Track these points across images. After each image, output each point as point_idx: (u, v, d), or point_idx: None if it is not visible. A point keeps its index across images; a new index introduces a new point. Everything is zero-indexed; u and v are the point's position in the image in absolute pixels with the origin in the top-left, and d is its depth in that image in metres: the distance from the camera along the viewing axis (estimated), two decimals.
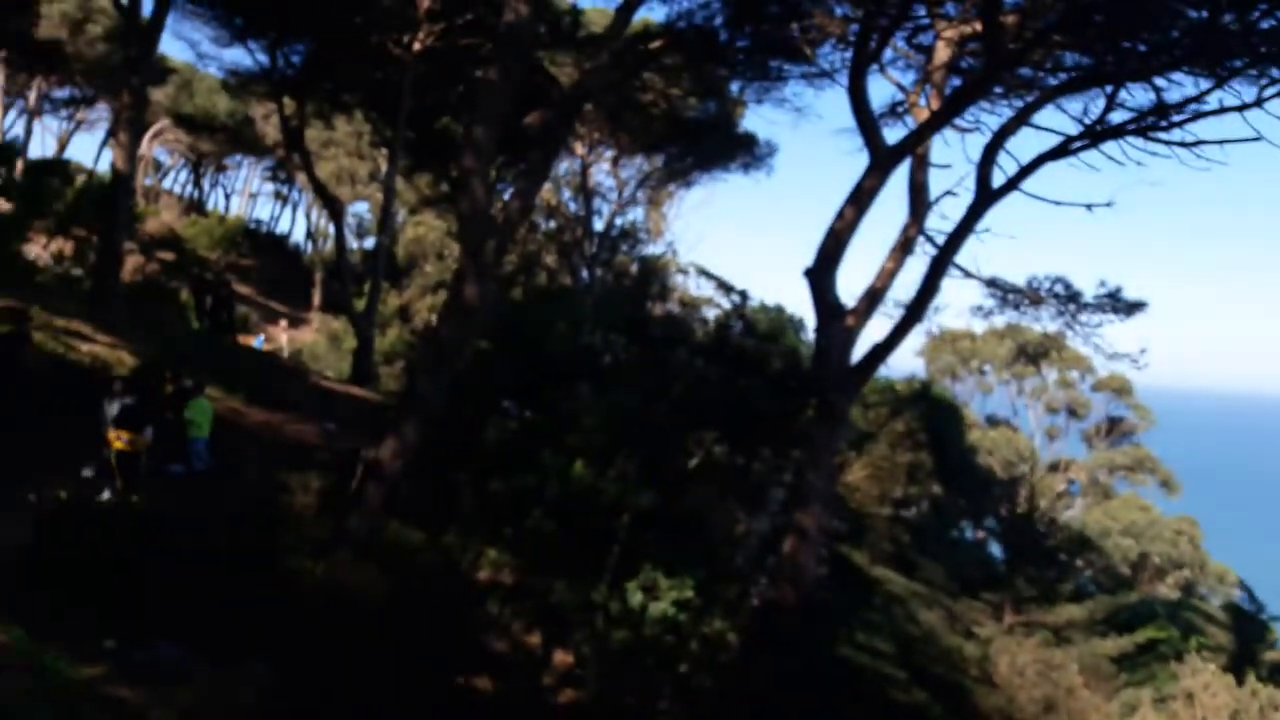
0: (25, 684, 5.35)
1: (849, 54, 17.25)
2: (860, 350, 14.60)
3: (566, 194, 39.67)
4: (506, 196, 28.97)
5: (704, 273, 42.47)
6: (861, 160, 14.54)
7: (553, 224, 40.06)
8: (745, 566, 17.26)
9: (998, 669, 19.61)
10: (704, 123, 30.93)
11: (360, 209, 56.48)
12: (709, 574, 15.88)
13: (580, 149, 34.42)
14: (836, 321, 14.04)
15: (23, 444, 14.19)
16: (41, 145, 58.63)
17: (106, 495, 12.37)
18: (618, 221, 39.82)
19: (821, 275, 14.17)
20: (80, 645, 6.79)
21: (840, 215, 14.15)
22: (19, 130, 56.06)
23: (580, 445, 16.61)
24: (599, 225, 39.36)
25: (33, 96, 55.73)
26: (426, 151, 31.82)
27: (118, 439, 12.52)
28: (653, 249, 43.85)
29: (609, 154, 37.29)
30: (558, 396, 18.46)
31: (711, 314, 40.16)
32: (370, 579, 13.17)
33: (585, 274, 38.60)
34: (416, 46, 26.08)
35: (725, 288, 26.67)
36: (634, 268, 41.92)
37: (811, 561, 14.24)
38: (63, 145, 59.95)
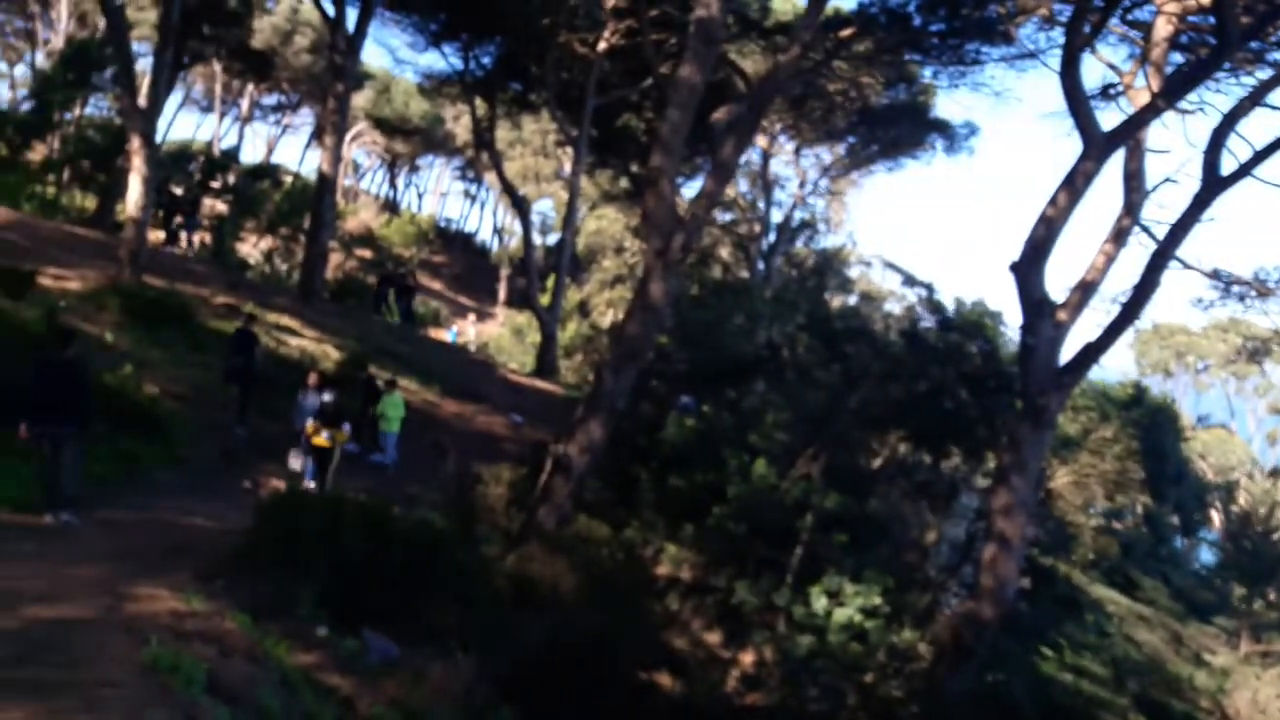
0: (249, 670, 5.61)
1: (1054, 34, 16.25)
2: (1070, 349, 13.70)
3: (744, 185, 39.28)
4: (688, 192, 29.10)
5: (888, 264, 41.29)
6: (1063, 145, 13.72)
7: (730, 216, 39.73)
8: (936, 574, 16.56)
9: (1235, 704, 18.07)
10: (893, 109, 29.92)
11: (544, 206, 57.96)
12: (897, 581, 15.34)
13: (761, 139, 33.97)
14: (1044, 317, 13.17)
15: (262, 435, 15.30)
16: (252, 150, 62.89)
17: (311, 485, 13.09)
18: (797, 213, 39.11)
19: (1029, 267, 13.32)
20: (296, 632, 7.09)
21: (1053, 202, 13.26)
22: (233, 136, 60.44)
23: (761, 443, 16.35)
24: (777, 217, 38.79)
25: (245, 104, 60.05)
26: (608, 148, 32.31)
27: (316, 433, 13.02)
28: (833, 240, 42.95)
29: (789, 144, 36.66)
30: (737, 393, 18.27)
31: (896, 307, 38.95)
32: (559, 571, 13.41)
33: (761, 267, 38.10)
34: (602, 45, 26.45)
35: (910, 280, 25.74)
36: (813, 260, 41.11)
37: (1013, 572, 13.47)
38: (271, 149, 64.30)
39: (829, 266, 40.80)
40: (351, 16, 22.94)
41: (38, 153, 31.66)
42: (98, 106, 31.78)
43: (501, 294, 59.19)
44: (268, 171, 39.80)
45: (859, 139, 34.17)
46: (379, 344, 23.09)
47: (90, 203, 30.10)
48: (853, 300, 42.41)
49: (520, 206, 33.08)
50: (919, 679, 14.27)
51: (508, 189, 33.08)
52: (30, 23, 50.08)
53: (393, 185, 73.78)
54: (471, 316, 48.59)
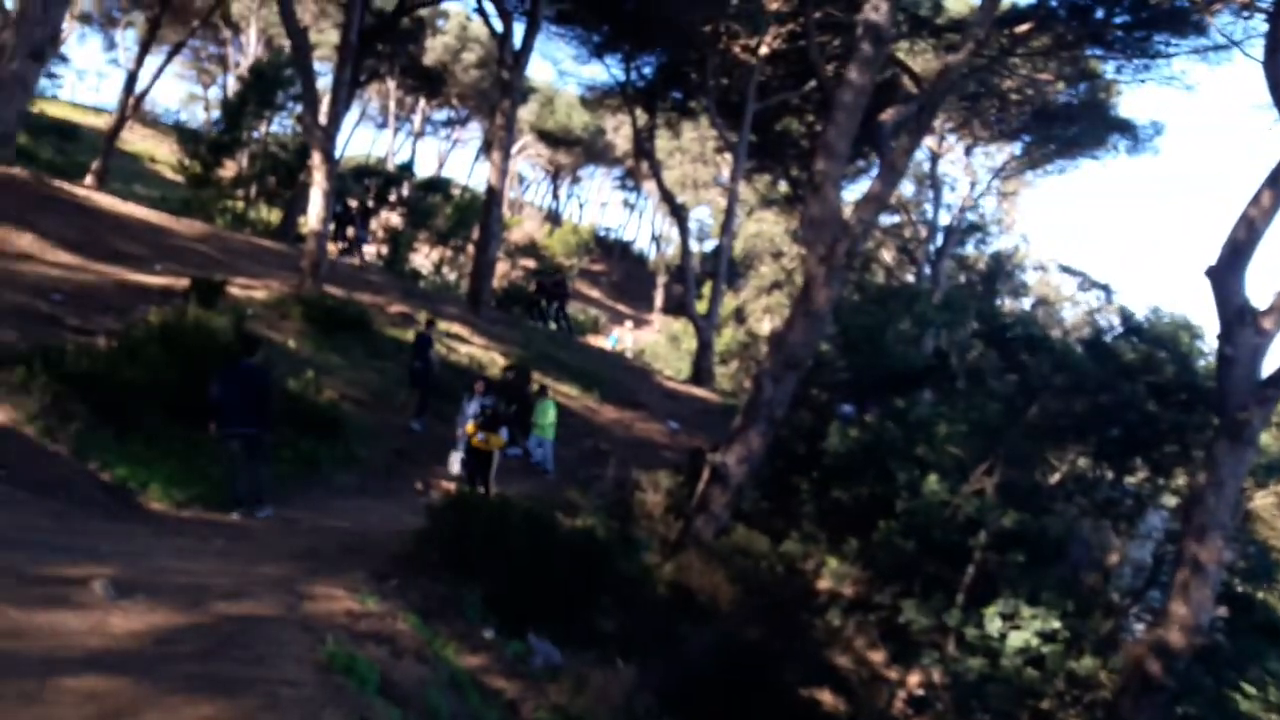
0: (420, 671, 5.68)
1: (1254, 21, 14.99)
2: (1274, 359, 12.51)
3: (909, 186, 38.16)
4: (851, 195, 28.43)
5: (1064, 268, 39.24)
6: (1267, 140, 12.52)
7: (895, 219, 38.63)
8: (1120, 598, 15.47)
9: None
10: (1072, 107, 28.38)
11: (701, 213, 58.07)
12: (1077, 604, 14.40)
13: (929, 139, 32.89)
14: (1245, 325, 12.06)
15: (432, 438, 15.83)
16: (424, 164, 65.56)
17: (456, 470, 13.40)
18: (966, 215, 37.65)
19: (1227, 271, 12.23)
20: (464, 633, 7.18)
21: (1256, 200, 12.14)
22: (406, 151, 63.17)
23: (931, 456, 15.69)
24: (944, 219, 37.46)
25: (417, 120, 62.70)
26: (768, 152, 32.06)
27: (475, 437, 13.25)
28: (1004, 243, 41.14)
29: (959, 144, 35.35)
30: (904, 403, 17.61)
31: (1073, 313, 36.92)
32: (717, 582, 13.23)
33: (928, 271, 36.86)
34: (763, 49, 26.25)
35: (1089, 283, 24.33)
36: (984, 263, 39.48)
37: (1207, 599, 12.38)
38: (441, 163, 66.90)
39: (1001, 270, 39.08)
40: (518, 32, 23.54)
41: (229, 170, 33.86)
42: (282, 125, 33.70)
43: (658, 301, 59.62)
44: (439, 185, 41.29)
45: (1034, 138, 32.60)
46: (542, 350, 23.55)
47: (275, 216, 31.96)
48: (1026, 305, 40.55)
49: (678, 214, 33.20)
50: (1100, 709, 13.35)
51: (666, 197, 33.25)
52: (223, 48, 53.91)
53: (555, 196, 75.56)
54: (629, 323, 49.04)
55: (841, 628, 14.86)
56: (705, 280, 37.97)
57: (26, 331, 11.92)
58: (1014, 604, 13.60)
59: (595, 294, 60.52)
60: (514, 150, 57.87)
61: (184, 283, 16.62)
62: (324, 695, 4.42)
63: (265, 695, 4.22)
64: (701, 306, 31.82)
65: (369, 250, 38.41)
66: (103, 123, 36.57)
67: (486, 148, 64.77)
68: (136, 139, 46.66)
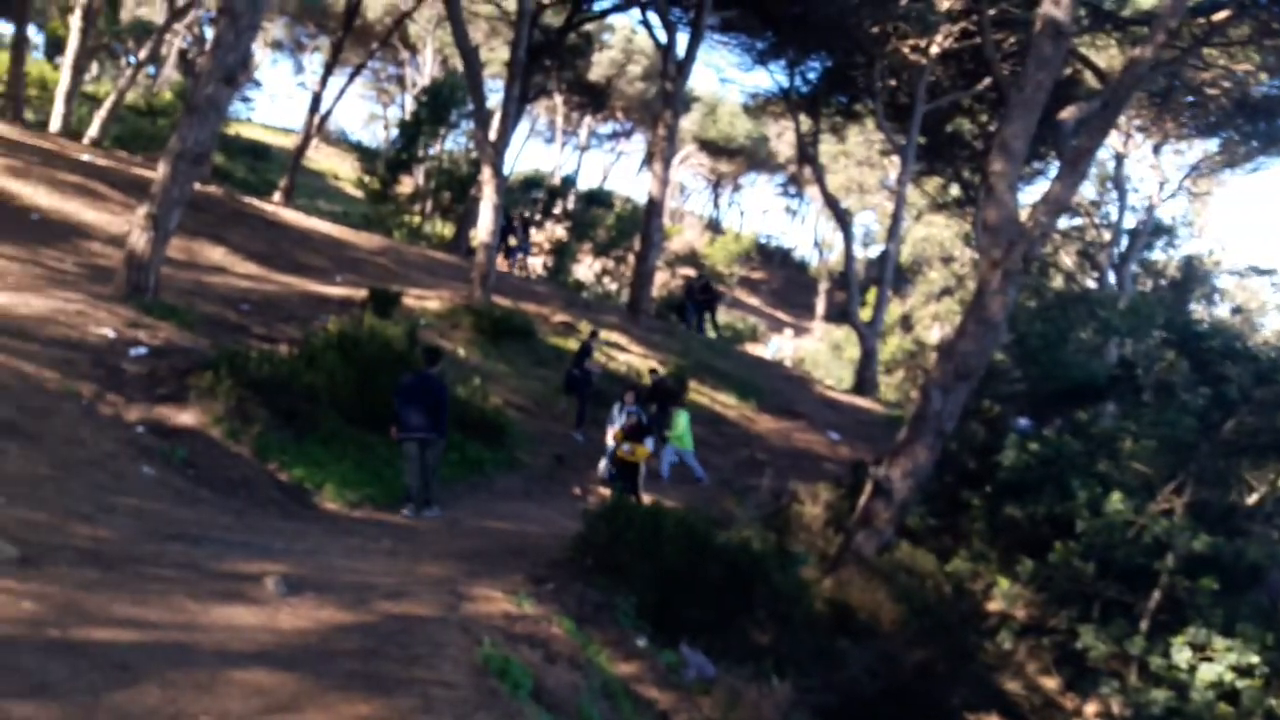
0: (573, 677, 5.68)
1: None
2: None
3: (1091, 187, 36.07)
4: (1026, 198, 27.10)
5: (1260, 270, 36.26)
6: None
7: (1077, 221, 36.59)
8: None
9: None
10: (1274, 99, 26.11)
11: (866, 218, 56.91)
12: (1277, 637, 13.14)
13: (1113, 138, 31.00)
14: None
15: (592, 444, 16.06)
16: (588, 177, 66.90)
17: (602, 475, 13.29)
18: (1154, 216, 35.28)
19: None
20: (616, 640, 7.16)
21: None
22: (571, 165, 64.60)
23: (1115, 473, 14.68)
24: (1129, 221, 35.21)
25: (583, 134, 64.03)
26: (938, 154, 31.13)
27: (620, 448, 13.10)
28: (1194, 246, 38.36)
29: (1145, 142, 33.18)
30: (1085, 416, 16.58)
31: (1277, 321, 34.02)
32: (879, 600, 12.80)
33: (1111, 276, 34.74)
34: (934, 49, 25.48)
35: None
36: (1174, 268, 36.91)
37: None
38: (605, 176, 68.08)
39: (1194, 275, 36.43)
40: (681, 42, 23.66)
41: (405, 186, 35.49)
42: (456, 143, 35.05)
43: (819, 309, 58.68)
44: (601, 197, 42.07)
45: (1232, 134, 30.19)
46: (700, 359, 23.50)
47: (448, 230, 33.23)
48: (1220, 313, 37.71)
49: (842, 219, 32.55)
50: None
51: (830, 202, 32.67)
52: (401, 69, 56.64)
53: (716, 204, 75.59)
54: (788, 331, 48.46)
55: (1012, 652, 14.10)
56: (870, 287, 37.07)
57: (216, 339, 12.75)
58: (1205, 634, 12.53)
59: (755, 301, 60.14)
60: (676, 160, 58.34)
61: (362, 293, 17.47)
62: (478, 698, 4.45)
63: (420, 696, 4.28)
64: (865, 314, 31.06)
65: (534, 262, 39.46)
66: (290, 143, 38.95)
67: (649, 159, 65.52)
68: (321, 157, 49.55)
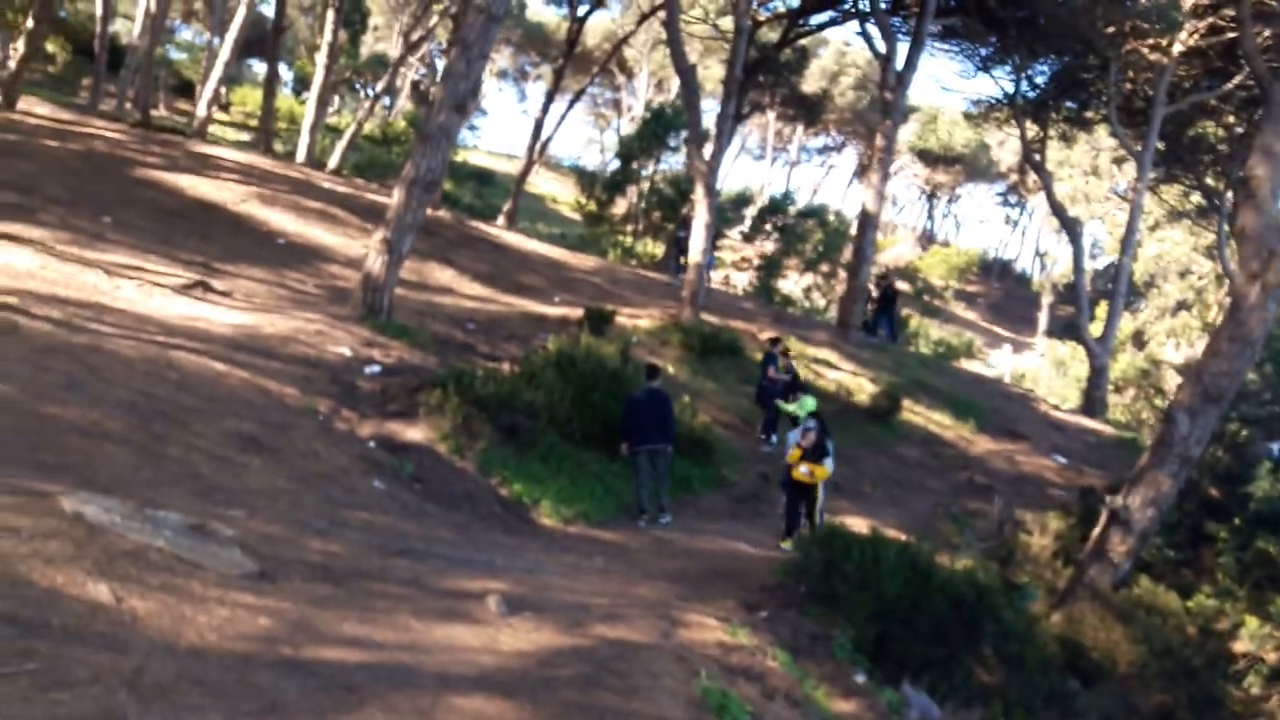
0: (792, 716, 5.51)
1: None
2: None
3: None
4: None
5: None
6: None
7: None
8: None
9: None
10: None
11: (1094, 228, 53.47)
12: None
13: None
14: None
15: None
16: (799, 192, 66.32)
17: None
18: None
19: None
20: (834, 675, 6.91)
21: None
22: (780, 181, 64.31)
23: None
24: None
25: (793, 148, 63.58)
26: (1177, 159, 28.82)
27: (797, 469, 11.98)
28: None
29: None
30: None
31: None
32: (1114, 639, 11.82)
33: None
34: (1177, 47, 23.62)
35: None
36: None
37: None
38: (815, 190, 67.30)
39: None
40: (900, 52, 23.03)
41: (619, 207, 36.33)
42: (668, 162, 35.58)
43: (1041, 323, 55.53)
44: (815, 212, 41.54)
45: None
46: (914, 376, 22.67)
47: (658, 249, 33.71)
48: None
49: (1071, 229, 30.66)
50: None
51: (1057, 211, 30.87)
52: (617, 93, 58.23)
53: (930, 216, 73.13)
54: (1007, 347, 46.09)
55: (1263, 698, 12.76)
56: (1098, 301, 34.71)
57: (444, 357, 13.39)
58: None
59: (971, 316, 57.64)
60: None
61: (577, 313, 17.95)
62: None
63: None
64: (1095, 329, 29.04)
65: (740, 278, 39.36)
66: (513, 168, 40.70)
67: (861, 172, 64.35)
68: (540, 181, 51.56)
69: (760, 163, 65.44)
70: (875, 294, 26.49)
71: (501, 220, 29.23)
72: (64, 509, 5.04)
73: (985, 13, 24.47)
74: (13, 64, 22.02)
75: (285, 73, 44.23)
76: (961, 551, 12.09)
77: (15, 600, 3.83)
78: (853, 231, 28.06)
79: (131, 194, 17.45)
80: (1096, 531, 12.92)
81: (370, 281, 13.40)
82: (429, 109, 14.29)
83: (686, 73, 19.62)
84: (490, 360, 14.10)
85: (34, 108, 21.82)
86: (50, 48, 35.28)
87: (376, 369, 11.67)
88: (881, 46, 23.08)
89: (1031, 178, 48.08)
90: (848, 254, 34.14)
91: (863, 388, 20.48)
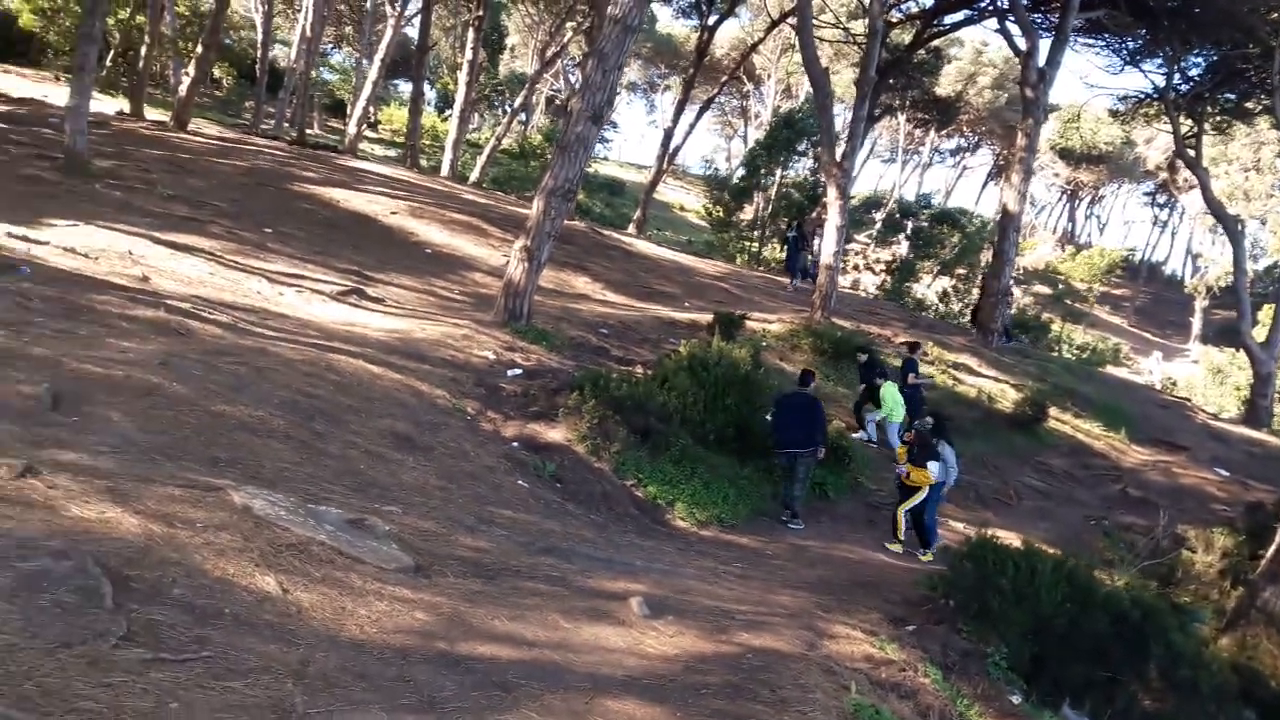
0: None
1: None
2: None
3: None
4: None
5: None
6: None
7: None
8: None
9: None
10: None
11: (1253, 227, 50.29)
12: None
13: None
14: None
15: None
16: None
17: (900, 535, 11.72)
18: None
19: None
20: (987, 695, 6.63)
21: None
22: (912, 184, 62.80)
23: None
24: None
25: (925, 150, 62.02)
26: None
27: (906, 474, 11.55)
28: None
29: None
30: None
31: None
32: None
33: None
34: None
35: None
36: None
37: None
38: (948, 193, 65.50)
39: None
40: (1042, 48, 22.21)
41: (746, 213, 36.22)
42: (793, 168, 35.28)
43: (1194, 328, 52.55)
44: (951, 215, 40.48)
45: None
46: (1060, 383, 21.75)
47: (784, 254, 33.41)
48: None
49: (1231, 229, 28.91)
50: None
51: (1215, 210, 29.13)
52: (744, 100, 58.05)
53: (1072, 217, 70.22)
54: (1157, 354, 43.79)
55: None
56: (1261, 304, 32.60)
57: (580, 360, 13.56)
58: None
59: (1117, 320, 54.99)
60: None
61: (708, 317, 17.91)
62: None
63: None
64: (1258, 334, 27.27)
65: (870, 281, 38.62)
66: (642, 177, 41.10)
67: (997, 173, 62.31)
68: (667, 190, 51.96)
69: (890, 165, 64.04)
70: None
71: (631, 228, 29.52)
72: (234, 502, 5.29)
73: (1134, 4, 23.32)
74: (184, 89, 23.47)
75: (427, 91, 45.82)
76: (1118, 568, 11.49)
77: (190, 589, 4.03)
78: (991, 234, 27.11)
79: (290, 207, 18.38)
80: (1271, 550, 12.08)
81: (511, 288, 13.68)
82: (566, 120, 14.49)
83: (819, 77, 19.35)
84: (623, 364, 14.20)
85: (203, 128, 23.25)
86: (216, 72, 37.59)
87: (518, 372, 11.90)
88: (1022, 43, 22.27)
89: (1183, 175, 45.65)
90: (985, 256, 33.08)
91: (1005, 394, 19.76)
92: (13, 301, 8.43)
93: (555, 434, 10.65)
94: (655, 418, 11.30)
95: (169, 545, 4.36)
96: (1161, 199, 63.07)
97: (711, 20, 31.01)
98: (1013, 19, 23.10)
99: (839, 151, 19.32)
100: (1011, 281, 26.58)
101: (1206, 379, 40.16)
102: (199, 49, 23.57)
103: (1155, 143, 49.39)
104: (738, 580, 8.06)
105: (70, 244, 11.70)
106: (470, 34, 28.86)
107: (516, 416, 10.73)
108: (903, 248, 39.84)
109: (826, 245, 19.38)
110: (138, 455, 5.76)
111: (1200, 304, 52.95)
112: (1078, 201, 68.98)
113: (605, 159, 56.07)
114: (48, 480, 4.67)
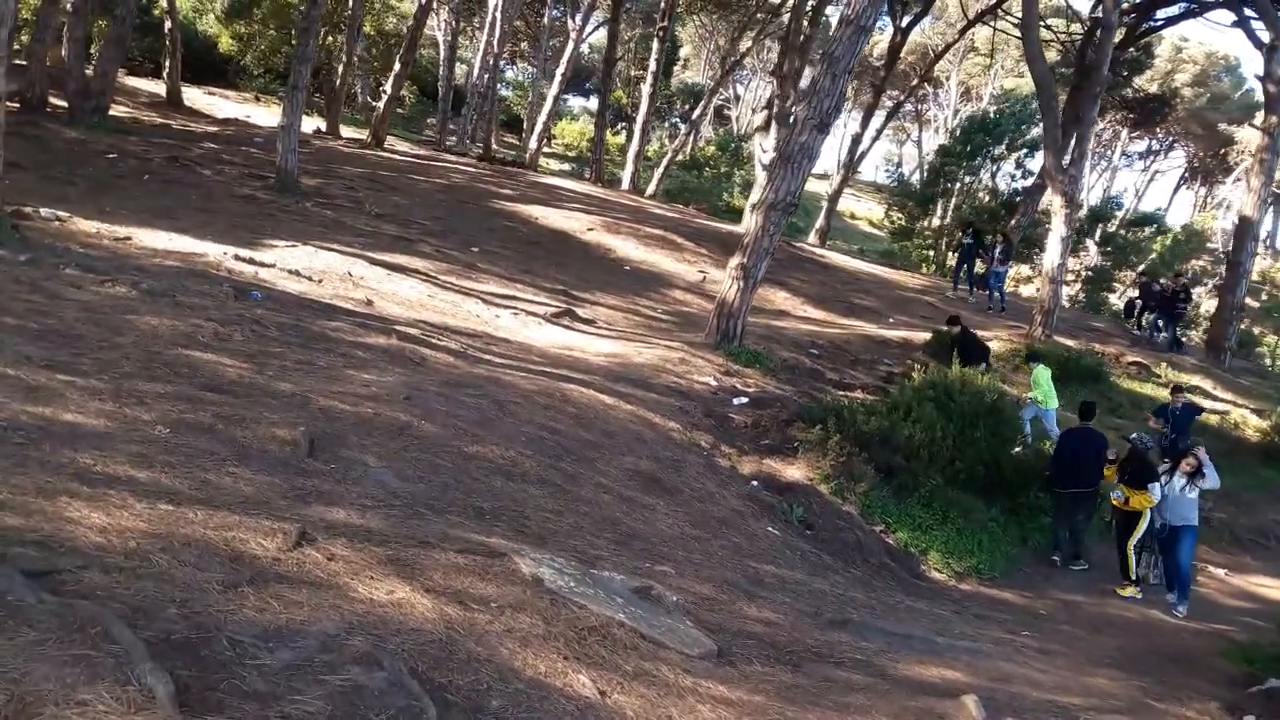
0: None
1: None
2: None
3: None
4: None
5: None
6: None
7: None
8: None
9: None
10: None
11: None
12: None
13: None
14: None
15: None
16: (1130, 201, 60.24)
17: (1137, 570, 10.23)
18: None
19: None
20: None
21: None
22: (1098, 188, 58.96)
23: None
24: None
25: (1115, 152, 58.17)
26: None
27: (1112, 495, 10.31)
28: None
29: None
30: None
31: None
32: None
33: None
34: None
35: None
36: None
37: None
38: (1139, 196, 61.20)
39: None
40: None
41: (932, 220, 34.54)
42: (976, 175, 33.44)
43: None
44: (1153, 217, 37.55)
45: None
46: None
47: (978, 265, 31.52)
48: None
49: None
50: None
51: None
52: (922, 105, 55.82)
53: (1275, 224, 64.39)
54: None
55: None
56: None
57: (796, 385, 12.66)
58: None
59: None
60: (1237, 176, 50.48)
61: (920, 335, 16.69)
62: None
63: None
64: None
65: (1064, 293, 35.97)
66: (818, 187, 39.89)
67: (1190, 176, 57.65)
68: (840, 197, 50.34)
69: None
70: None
71: (813, 238, 28.44)
72: (522, 572, 4.70)
73: None
74: (381, 106, 23.90)
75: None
76: None
77: (507, 699, 3.40)
78: (1202, 242, 24.59)
79: (490, 223, 18.23)
80: None
81: (725, 308, 12.91)
82: (788, 130, 13.59)
83: (1044, 76, 17.88)
84: (840, 388, 13.22)
85: (395, 145, 23.58)
86: (402, 90, 38.67)
87: (744, 400, 11.11)
88: (1265, 36, 20.07)
89: None
90: (1195, 264, 30.36)
91: (1246, 420, 17.70)
92: (250, 330, 8.19)
93: (794, 471, 9.79)
94: (900, 454, 10.29)
95: (470, 635, 3.76)
96: None
97: (904, 21, 29.51)
98: (1252, 10, 20.92)
99: (1066, 158, 17.71)
100: (1247, 295, 24.02)
101: None
102: (397, 66, 23.93)
103: None
104: (1040, 656, 6.99)
105: (293, 265, 11.63)
106: (655, 44, 28.45)
107: (751, 451, 9.93)
108: (1092, 255, 37.17)
109: (1050, 257, 17.85)
110: (404, 509, 5.25)
111: None
112: None
113: None
114: (325, 549, 4.16)
